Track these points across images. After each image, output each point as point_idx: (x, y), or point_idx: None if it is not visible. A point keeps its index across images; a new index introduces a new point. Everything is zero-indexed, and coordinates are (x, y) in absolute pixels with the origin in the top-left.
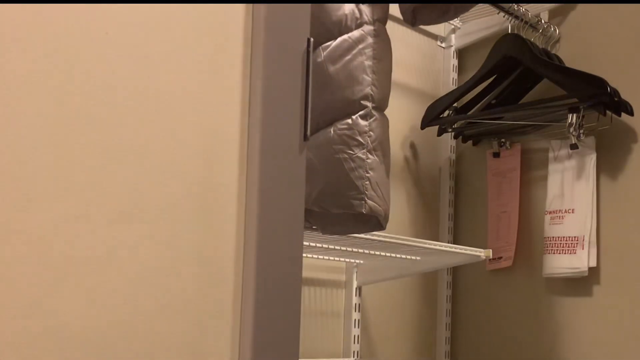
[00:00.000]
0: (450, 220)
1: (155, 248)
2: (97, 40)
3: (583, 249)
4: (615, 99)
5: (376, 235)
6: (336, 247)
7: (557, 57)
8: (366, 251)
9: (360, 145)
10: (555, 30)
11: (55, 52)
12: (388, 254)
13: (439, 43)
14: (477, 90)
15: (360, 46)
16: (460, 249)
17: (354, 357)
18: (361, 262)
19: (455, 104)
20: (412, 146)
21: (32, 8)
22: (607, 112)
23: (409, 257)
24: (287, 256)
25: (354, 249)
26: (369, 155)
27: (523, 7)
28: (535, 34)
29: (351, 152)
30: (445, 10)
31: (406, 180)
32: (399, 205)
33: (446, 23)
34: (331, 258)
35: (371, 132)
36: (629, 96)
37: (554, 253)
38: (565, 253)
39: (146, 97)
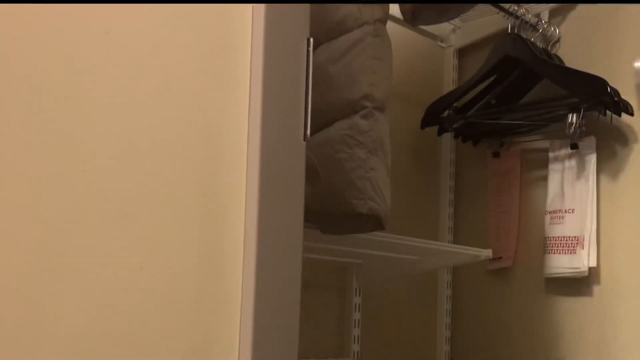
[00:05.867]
0: (450, 220)
1: (154, 248)
2: (97, 40)
3: (583, 248)
4: (615, 99)
5: (376, 235)
6: (336, 247)
7: (557, 57)
8: (366, 251)
9: (361, 145)
10: (555, 30)
11: (55, 52)
12: (388, 254)
13: (439, 43)
14: (477, 90)
15: (361, 46)
16: (460, 248)
17: (354, 357)
18: (361, 262)
19: (455, 104)
20: (412, 146)
21: (32, 8)
22: (607, 112)
23: (409, 257)
24: (287, 256)
25: (354, 249)
26: (370, 155)
27: (523, 7)
28: (535, 34)
29: (351, 151)
30: (445, 10)
31: (406, 180)
32: (399, 205)
33: (446, 23)
34: (331, 258)
35: (371, 132)
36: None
37: (554, 253)
38: (565, 253)
39: (146, 97)
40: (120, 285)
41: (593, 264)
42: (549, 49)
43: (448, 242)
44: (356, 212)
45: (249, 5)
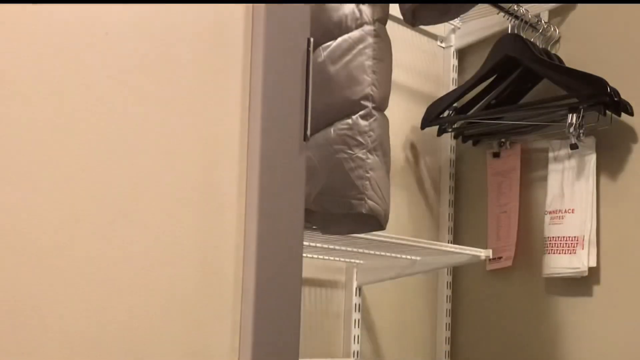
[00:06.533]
0: (450, 220)
1: (155, 249)
2: (96, 40)
3: (583, 249)
4: (615, 99)
5: (376, 235)
6: (336, 247)
7: (557, 57)
8: (366, 251)
9: (361, 145)
10: (555, 30)
11: (55, 52)
12: (388, 254)
13: (439, 43)
14: (477, 90)
15: (361, 46)
16: (460, 249)
17: (354, 357)
18: (361, 262)
19: (455, 104)
20: (412, 146)
21: (32, 8)
22: (607, 112)
23: (409, 257)
24: (287, 256)
25: (354, 249)
26: (369, 155)
27: (523, 7)
28: (535, 34)
29: (351, 152)
30: (445, 11)
31: (406, 180)
32: (399, 205)
33: (446, 23)
34: (331, 258)
35: (371, 132)
36: (629, 96)
37: (554, 253)
38: (565, 253)
39: (146, 97)
40: (119, 285)
41: (593, 264)
42: (549, 49)
43: (448, 242)
44: (356, 212)
45: (249, 5)
